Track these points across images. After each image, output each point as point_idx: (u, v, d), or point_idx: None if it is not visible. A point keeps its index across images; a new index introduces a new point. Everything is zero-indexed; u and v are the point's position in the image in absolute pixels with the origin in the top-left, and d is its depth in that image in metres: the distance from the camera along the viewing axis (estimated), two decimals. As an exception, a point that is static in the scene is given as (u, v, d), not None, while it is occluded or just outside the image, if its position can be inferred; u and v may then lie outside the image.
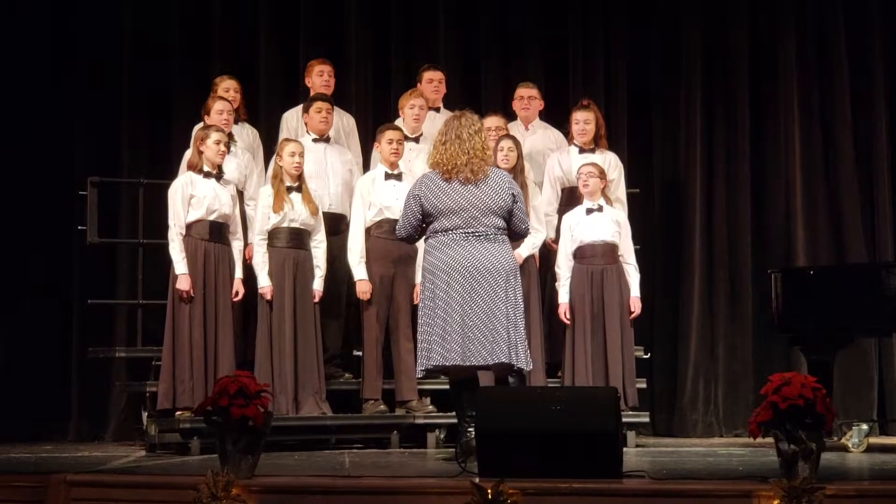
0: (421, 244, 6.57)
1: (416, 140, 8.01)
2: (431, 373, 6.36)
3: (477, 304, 6.15)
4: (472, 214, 6.19)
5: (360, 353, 7.75)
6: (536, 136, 8.34)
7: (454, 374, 6.34)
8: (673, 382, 9.08)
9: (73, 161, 8.95)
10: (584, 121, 7.99)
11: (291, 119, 8.19)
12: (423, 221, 6.33)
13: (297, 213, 7.48)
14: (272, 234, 7.49)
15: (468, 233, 6.20)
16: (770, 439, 5.03)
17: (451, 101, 8.59)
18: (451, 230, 6.20)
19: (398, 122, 8.03)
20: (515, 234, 6.41)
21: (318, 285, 7.57)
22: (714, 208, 9.21)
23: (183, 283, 7.21)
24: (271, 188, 7.49)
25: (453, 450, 6.76)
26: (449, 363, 6.15)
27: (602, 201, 7.71)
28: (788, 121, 9.22)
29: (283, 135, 8.06)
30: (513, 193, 6.30)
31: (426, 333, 6.23)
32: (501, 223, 6.26)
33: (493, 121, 7.83)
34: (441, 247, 6.21)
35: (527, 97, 8.35)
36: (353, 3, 9.32)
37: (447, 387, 7.73)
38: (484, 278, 6.16)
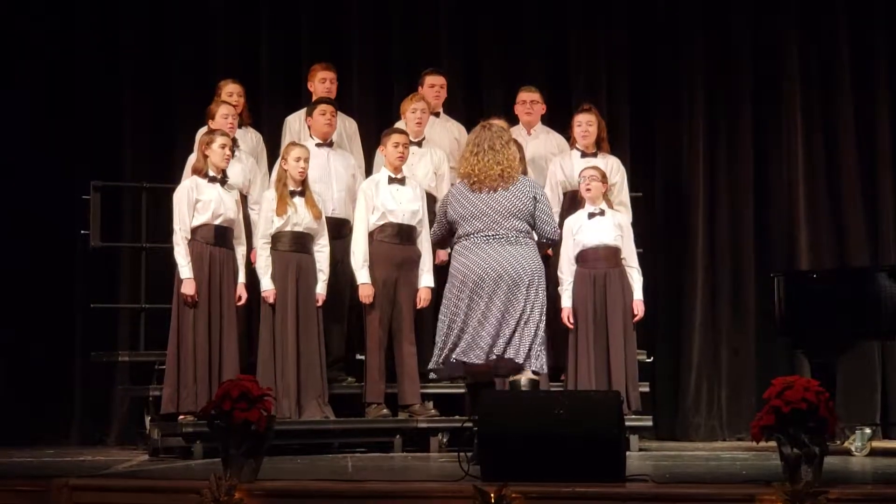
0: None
1: (419, 144, 8.01)
2: (443, 370, 6.42)
3: (496, 305, 6.34)
4: (493, 218, 6.42)
5: (362, 357, 7.75)
6: (539, 141, 8.33)
7: (472, 378, 6.43)
8: (676, 386, 9.07)
9: (76, 165, 8.96)
10: (585, 123, 8.00)
11: (294, 123, 8.19)
12: (451, 229, 6.59)
13: (300, 216, 7.48)
14: (276, 238, 7.49)
15: (489, 236, 6.41)
16: (773, 443, 5.02)
17: (452, 105, 8.60)
18: (473, 234, 6.43)
19: (399, 125, 8.02)
20: (543, 238, 6.58)
21: (321, 289, 7.57)
22: (716, 211, 9.21)
23: (188, 288, 7.21)
24: (275, 192, 7.49)
25: (460, 452, 6.77)
26: (472, 360, 6.33)
27: (604, 205, 7.71)
28: (790, 124, 9.21)
29: (285, 139, 8.06)
30: (534, 196, 6.50)
31: (444, 330, 6.42)
32: (523, 226, 6.45)
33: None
34: (464, 251, 6.44)
35: (529, 101, 8.34)
36: (354, 6, 9.33)
37: (450, 391, 7.78)
38: (504, 282, 6.35)
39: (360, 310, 7.73)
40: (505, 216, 6.40)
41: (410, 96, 8.12)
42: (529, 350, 6.37)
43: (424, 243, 7.68)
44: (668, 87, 9.37)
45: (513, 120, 8.29)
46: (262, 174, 7.98)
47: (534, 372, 6.37)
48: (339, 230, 7.83)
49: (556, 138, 8.35)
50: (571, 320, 7.64)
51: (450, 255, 6.82)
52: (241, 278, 7.45)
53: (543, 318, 6.48)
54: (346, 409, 7.72)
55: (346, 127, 8.27)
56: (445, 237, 6.75)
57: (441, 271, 7.92)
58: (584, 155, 8.01)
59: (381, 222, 7.60)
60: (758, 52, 9.33)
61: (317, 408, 7.41)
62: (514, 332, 6.35)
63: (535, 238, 6.58)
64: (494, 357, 6.35)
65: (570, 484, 4.91)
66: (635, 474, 5.35)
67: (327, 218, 7.69)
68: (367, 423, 7.62)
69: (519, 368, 6.37)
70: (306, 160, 7.50)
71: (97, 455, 7.63)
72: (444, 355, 6.43)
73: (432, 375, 6.75)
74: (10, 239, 8.87)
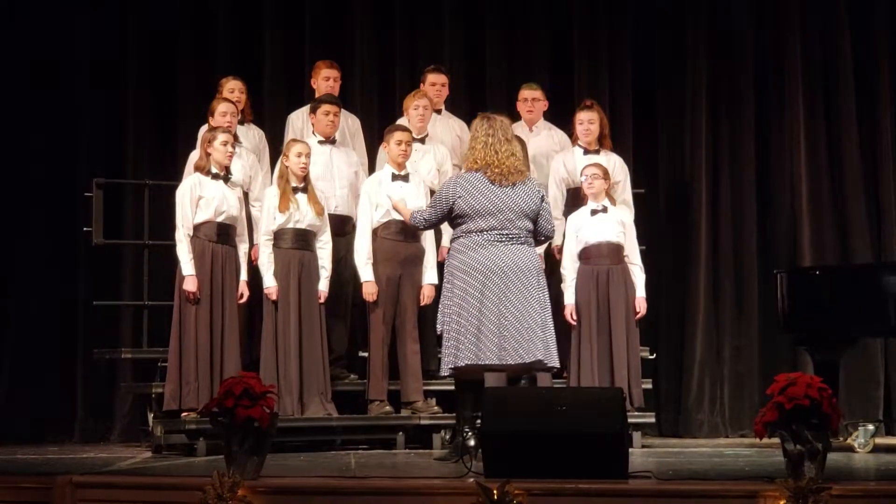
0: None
1: (422, 140, 8.01)
2: (458, 371, 6.33)
3: (512, 303, 6.20)
4: (508, 217, 6.26)
5: (365, 354, 7.76)
6: (541, 138, 8.33)
7: (463, 374, 6.36)
8: (678, 383, 9.07)
9: (79, 162, 8.97)
10: (588, 121, 7.99)
11: (297, 120, 8.18)
12: (450, 220, 6.37)
13: (302, 213, 7.48)
14: (278, 235, 7.49)
15: (503, 234, 6.26)
16: (776, 440, 5.03)
17: (455, 102, 8.60)
18: (487, 231, 6.25)
19: (402, 122, 8.02)
20: (541, 235, 6.45)
21: (323, 286, 7.57)
22: (719, 208, 9.20)
23: (190, 285, 7.22)
24: (277, 188, 7.49)
25: (447, 449, 6.77)
26: (483, 362, 6.17)
27: (607, 202, 7.71)
28: (793, 121, 9.20)
29: (288, 136, 8.06)
30: (542, 196, 6.40)
31: (455, 332, 6.23)
32: (531, 226, 6.35)
33: (497, 121, 7.83)
34: (475, 247, 6.25)
35: (531, 99, 8.34)
36: (357, 3, 9.32)
37: (453, 388, 7.77)
38: (518, 278, 6.22)
39: (364, 307, 7.73)
40: (519, 215, 6.26)
41: (413, 93, 8.11)
42: (555, 351, 6.35)
43: (428, 240, 7.66)
44: (670, 84, 9.36)
45: (515, 117, 8.29)
46: (265, 171, 7.98)
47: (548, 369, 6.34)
48: (342, 227, 7.83)
49: (559, 135, 8.35)
50: (574, 317, 7.64)
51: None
52: (244, 275, 7.45)
53: (551, 313, 6.43)
54: (348, 406, 7.72)
55: (349, 124, 8.27)
56: (437, 224, 6.60)
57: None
58: (586, 152, 8.00)
59: (385, 219, 7.59)
60: (760, 49, 9.32)
61: (319, 405, 7.41)
62: (543, 329, 6.24)
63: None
64: (533, 360, 6.23)
65: (573, 480, 4.91)
66: (638, 471, 5.35)
67: (330, 215, 7.69)
68: (370, 420, 7.62)
69: (544, 368, 6.32)
70: (307, 156, 7.50)
71: (100, 452, 7.64)
72: (463, 357, 6.19)
73: (443, 373, 6.47)
74: (12, 236, 8.88)
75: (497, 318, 6.17)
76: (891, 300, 6.98)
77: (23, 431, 8.44)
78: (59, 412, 8.81)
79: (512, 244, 6.25)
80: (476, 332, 6.18)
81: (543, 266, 7.52)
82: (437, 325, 6.43)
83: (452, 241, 6.42)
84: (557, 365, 6.39)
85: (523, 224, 6.29)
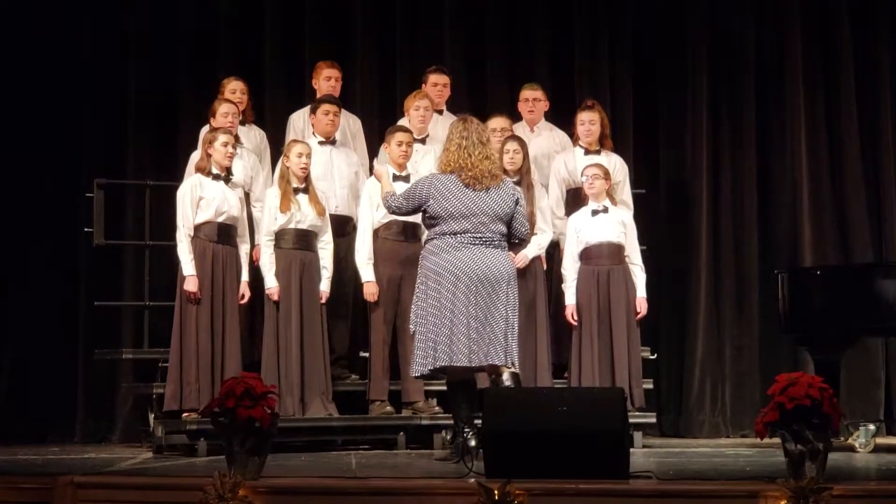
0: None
1: (423, 141, 8.01)
2: (434, 373, 6.40)
3: (479, 306, 6.27)
4: (481, 220, 6.32)
5: (366, 355, 7.76)
6: (542, 138, 8.33)
7: (452, 376, 6.41)
8: (679, 383, 9.07)
9: (80, 163, 8.97)
10: (588, 121, 7.99)
11: (298, 120, 8.19)
12: (424, 221, 6.48)
13: (304, 213, 7.48)
14: (279, 236, 7.49)
15: (476, 237, 6.31)
16: (777, 439, 5.03)
17: (456, 102, 8.60)
18: (460, 234, 6.31)
19: (403, 123, 8.02)
20: (515, 238, 6.52)
21: (324, 286, 7.57)
22: (720, 208, 9.20)
23: (190, 285, 7.23)
24: (278, 189, 7.50)
25: (448, 450, 6.78)
26: (456, 363, 6.24)
27: (607, 202, 7.71)
28: (794, 120, 9.21)
29: (289, 136, 8.06)
30: (517, 199, 6.42)
31: (431, 333, 6.30)
32: (505, 229, 6.42)
33: (498, 122, 7.84)
34: (448, 248, 6.30)
35: (531, 99, 8.34)
36: (358, 3, 9.33)
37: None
38: (488, 281, 6.29)
39: (365, 307, 7.73)
40: (493, 219, 6.32)
41: (414, 93, 8.11)
42: (515, 353, 6.41)
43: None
44: (670, 85, 9.36)
45: (516, 117, 8.30)
46: (266, 172, 7.98)
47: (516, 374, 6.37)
48: (343, 227, 7.84)
49: (559, 135, 8.35)
50: (575, 317, 7.64)
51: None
52: (245, 276, 7.46)
53: (516, 315, 6.48)
54: (349, 406, 7.72)
55: (350, 124, 8.27)
56: (408, 215, 6.69)
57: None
58: (587, 152, 8.00)
59: (386, 220, 7.58)
60: (760, 49, 9.32)
61: (320, 405, 7.41)
62: (505, 336, 6.32)
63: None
64: (491, 363, 6.29)
65: (574, 481, 4.91)
66: (639, 471, 5.35)
67: (330, 215, 7.70)
68: (371, 421, 7.62)
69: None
70: (308, 156, 7.50)
71: (101, 453, 7.64)
72: (441, 358, 6.26)
73: (422, 374, 6.50)
74: (13, 237, 8.88)
75: (466, 320, 6.25)
76: (891, 300, 6.99)
77: (23, 431, 8.45)
78: (59, 412, 8.81)
79: (485, 247, 6.32)
80: (449, 334, 6.25)
81: (545, 267, 7.65)
82: (410, 326, 6.48)
83: (426, 242, 6.49)
84: (516, 368, 6.40)
85: (496, 228, 6.35)
